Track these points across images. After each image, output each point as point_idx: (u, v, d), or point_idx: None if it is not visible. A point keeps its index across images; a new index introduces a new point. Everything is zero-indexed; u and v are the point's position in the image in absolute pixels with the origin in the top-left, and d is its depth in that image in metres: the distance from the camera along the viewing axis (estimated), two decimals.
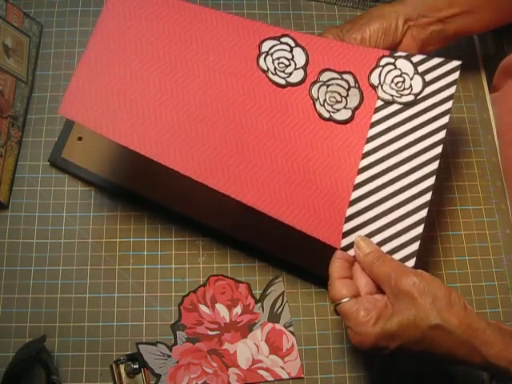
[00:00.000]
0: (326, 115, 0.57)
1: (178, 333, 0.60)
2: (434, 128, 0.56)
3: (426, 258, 0.64)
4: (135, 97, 0.53)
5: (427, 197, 0.54)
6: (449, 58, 0.58)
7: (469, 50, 0.74)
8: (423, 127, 0.56)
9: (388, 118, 0.57)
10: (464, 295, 0.63)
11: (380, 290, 0.51)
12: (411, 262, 0.53)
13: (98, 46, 0.55)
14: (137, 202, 0.64)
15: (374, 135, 0.57)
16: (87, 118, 0.52)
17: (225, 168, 0.53)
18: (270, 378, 0.59)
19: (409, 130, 0.56)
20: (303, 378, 0.60)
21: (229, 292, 0.62)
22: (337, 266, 0.52)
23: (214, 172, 0.52)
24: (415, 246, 0.53)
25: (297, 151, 0.55)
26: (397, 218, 0.54)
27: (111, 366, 0.57)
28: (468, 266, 0.64)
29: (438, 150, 0.56)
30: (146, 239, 0.63)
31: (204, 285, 0.62)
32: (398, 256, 0.53)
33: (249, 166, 0.53)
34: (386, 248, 0.53)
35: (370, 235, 0.54)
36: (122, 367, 0.57)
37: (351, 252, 0.53)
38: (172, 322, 0.60)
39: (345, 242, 0.54)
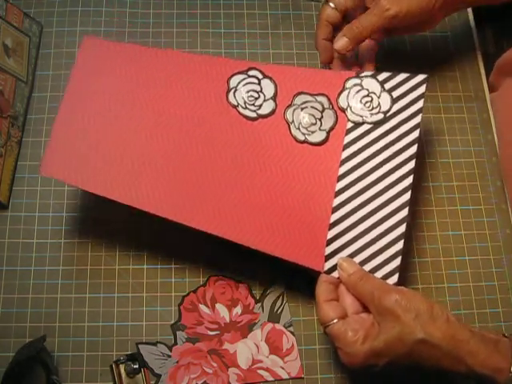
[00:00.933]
0: (301, 138, 0.58)
1: (178, 333, 0.60)
2: (405, 144, 0.57)
3: (426, 258, 0.64)
4: (111, 148, 0.56)
5: (404, 212, 0.55)
6: (414, 74, 0.59)
7: (469, 49, 0.74)
8: (394, 144, 0.57)
9: (359, 139, 0.58)
10: (464, 295, 0.63)
11: (366, 308, 0.52)
12: (394, 279, 0.54)
13: (72, 100, 0.57)
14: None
15: (347, 157, 0.58)
16: (68, 175, 0.54)
17: (202, 205, 0.54)
18: (270, 378, 0.59)
19: (380, 149, 0.57)
20: (303, 378, 0.60)
21: (229, 292, 0.62)
22: (322, 290, 0.53)
23: (193, 211, 0.54)
24: (397, 262, 0.54)
25: (274, 180, 0.56)
26: (376, 237, 0.55)
27: (111, 366, 0.57)
28: (468, 266, 0.64)
29: (411, 165, 0.57)
30: (145, 239, 0.63)
31: (204, 285, 0.62)
32: (380, 273, 0.54)
33: (226, 200, 0.55)
34: (368, 267, 0.54)
35: (352, 255, 0.55)
36: (121, 367, 0.57)
37: (335, 274, 0.54)
38: (172, 322, 0.60)
39: (328, 264, 0.55)
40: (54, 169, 0.55)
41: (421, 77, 0.59)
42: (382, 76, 0.60)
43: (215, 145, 0.57)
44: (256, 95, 0.59)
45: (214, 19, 0.73)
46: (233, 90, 0.59)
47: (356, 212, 0.56)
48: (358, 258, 0.54)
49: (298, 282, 0.63)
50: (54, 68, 0.69)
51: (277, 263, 0.63)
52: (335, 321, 0.51)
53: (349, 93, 0.59)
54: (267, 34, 0.73)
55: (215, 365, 0.59)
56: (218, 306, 0.61)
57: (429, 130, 0.70)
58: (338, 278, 0.54)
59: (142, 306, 0.61)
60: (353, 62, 0.65)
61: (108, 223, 0.63)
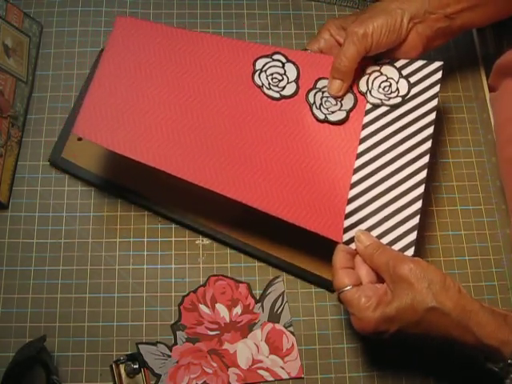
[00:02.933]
0: (322, 117, 0.60)
1: (178, 333, 0.60)
2: (422, 125, 0.59)
3: (427, 258, 0.64)
4: (143, 115, 0.57)
5: (421, 189, 0.57)
6: (431, 60, 0.61)
7: (469, 49, 0.74)
8: (412, 125, 0.59)
9: (378, 120, 0.60)
10: None
11: (380, 280, 0.54)
12: (410, 251, 0.55)
13: (108, 68, 0.59)
14: (137, 202, 0.64)
15: (365, 136, 0.60)
16: (100, 136, 0.55)
17: (229, 174, 0.56)
18: (270, 378, 0.59)
19: (398, 129, 0.59)
20: (303, 378, 0.60)
21: (229, 292, 0.62)
22: (339, 257, 0.54)
23: (220, 179, 0.55)
24: (413, 236, 0.56)
25: (295, 156, 0.58)
26: (393, 212, 0.56)
27: (111, 366, 0.57)
28: (468, 266, 0.64)
29: (428, 145, 0.59)
30: (146, 239, 0.63)
31: (204, 285, 0.62)
32: (397, 247, 0.56)
33: (251, 172, 0.56)
34: (385, 240, 0.56)
35: (370, 229, 0.56)
36: (121, 367, 0.57)
37: (352, 246, 0.55)
38: (172, 322, 0.60)
39: (346, 236, 0.56)
40: (87, 129, 0.55)
41: (437, 64, 0.61)
42: (400, 63, 0.62)
43: (240, 120, 0.59)
44: (280, 77, 0.62)
45: (214, 19, 0.73)
46: (258, 72, 0.62)
47: (374, 188, 0.57)
48: (376, 232, 0.56)
49: (299, 281, 0.63)
50: (54, 68, 0.69)
51: (277, 263, 0.63)
52: (349, 287, 0.52)
53: (368, 78, 0.62)
54: (267, 34, 0.73)
55: (215, 365, 0.59)
56: (217, 306, 0.61)
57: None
58: (355, 249, 0.55)
59: (142, 306, 0.61)
60: None
61: (108, 223, 0.63)
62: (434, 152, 0.69)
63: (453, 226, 0.66)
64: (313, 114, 0.60)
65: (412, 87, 0.61)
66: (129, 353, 0.58)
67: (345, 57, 0.59)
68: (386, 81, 0.62)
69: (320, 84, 0.62)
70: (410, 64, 0.62)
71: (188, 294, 0.61)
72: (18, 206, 0.64)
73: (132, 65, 0.59)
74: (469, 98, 0.72)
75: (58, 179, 0.65)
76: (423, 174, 0.57)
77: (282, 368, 0.59)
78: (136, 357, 0.57)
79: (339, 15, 0.74)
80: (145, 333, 0.60)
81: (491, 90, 0.72)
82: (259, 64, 0.62)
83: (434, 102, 0.60)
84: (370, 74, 0.62)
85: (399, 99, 0.60)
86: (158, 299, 0.61)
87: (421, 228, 0.65)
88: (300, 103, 0.61)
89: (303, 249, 0.62)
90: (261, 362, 0.59)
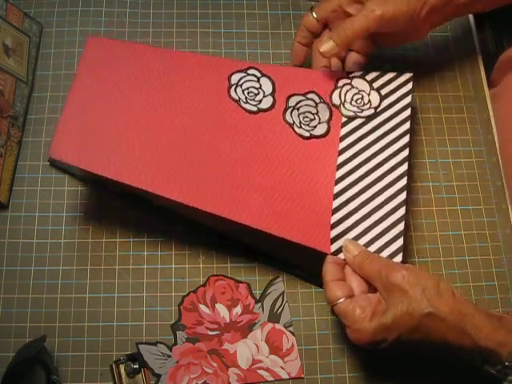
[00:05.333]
0: (307, 134, 0.61)
1: (177, 333, 0.60)
2: (398, 134, 0.61)
3: (426, 258, 0.64)
4: (120, 135, 0.57)
5: (403, 196, 0.58)
6: (400, 72, 0.63)
7: (469, 49, 0.74)
8: (388, 135, 0.61)
9: (354, 131, 0.62)
10: (464, 295, 0.62)
11: (372, 288, 0.54)
12: (399, 258, 0.56)
13: (81, 89, 0.59)
14: (137, 202, 0.64)
15: (344, 147, 0.61)
16: (77, 158, 0.55)
17: (211, 190, 0.56)
18: (270, 378, 0.59)
19: (375, 140, 0.61)
20: (303, 378, 0.60)
21: (229, 292, 0.62)
22: (329, 269, 0.54)
23: (201, 195, 0.56)
24: (400, 242, 0.57)
25: (277, 168, 0.59)
26: (378, 220, 0.58)
27: (111, 366, 0.57)
28: (468, 266, 0.64)
29: (405, 152, 0.60)
30: (145, 239, 0.63)
31: (204, 285, 0.62)
32: (385, 254, 0.56)
33: (233, 186, 0.58)
34: (372, 248, 0.57)
35: (356, 238, 0.57)
36: (121, 367, 0.57)
37: (341, 256, 0.56)
38: (172, 322, 0.60)
39: (334, 247, 0.57)
40: (63, 152, 0.55)
41: (407, 75, 0.64)
42: (370, 76, 0.64)
43: (219, 135, 0.59)
44: (256, 91, 0.62)
45: (214, 19, 0.73)
46: (234, 86, 0.62)
47: (357, 197, 0.58)
48: (363, 240, 0.57)
49: (299, 281, 0.63)
50: (54, 68, 0.69)
51: (277, 263, 0.63)
52: (342, 299, 0.52)
53: (340, 91, 0.63)
54: (267, 34, 0.73)
55: (215, 365, 0.59)
56: (217, 306, 0.61)
57: (429, 130, 0.70)
58: (344, 259, 0.55)
59: (142, 306, 0.61)
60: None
61: (108, 223, 0.63)
62: (433, 152, 0.69)
63: (453, 226, 0.66)
64: (297, 133, 0.61)
65: (384, 99, 0.63)
66: (129, 353, 0.58)
67: (352, 26, 0.58)
68: (358, 93, 0.63)
69: (292, 102, 0.62)
70: (381, 77, 0.64)
71: (188, 294, 0.61)
72: (18, 205, 0.64)
73: (105, 85, 0.59)
74: (469, 98, 0.72)
75: (57, 179, 0.65)
76: (404, 181, 0.59)
77: (282, 368, 0.59)
78: (136, 357, 0.57)
79: None
80: (145, 333, 0.60)
81: (492, 85, 0.72)
82: (234, 79, 0.63)
83: (408, 112, 0.62)
84: (341, 88, 0.63)
85: (372, 111, 0.62)
86: (158, 299, 0.61)
87: (421, 228, 0.65)
88: (280, 120, 0.61)
89: (303, 249, 0.62)
90: (261, 362, 0.59)
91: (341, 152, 0.61)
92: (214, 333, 0.60)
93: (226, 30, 0.73)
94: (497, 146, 0.69)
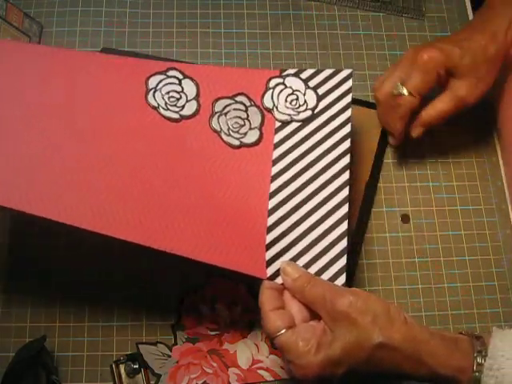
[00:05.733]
0: (236, 143, 0.55)
1: (177, 333, 0.60)
2: (337, 139, 0.56)
3: (426, 258, 0.64)
4: (24, 159, 0.49)
5: (345, 209, 0.53)
6: (339, 69, 0.58)
7: None
8: (326, 140, 0.55)
9: (289, 138, 0.56)
10: (464, 295, 0.63)
11: (314, 315, 0.49)
12: (342, 279, 0.51)
13: None
14: None
15: (278, 156, 0.55)
16: None
17: (129, 214, 0.49)
18: (270, 378, 0.59)
19: (312, 146, 0.55)
20: None
21: (229, 292, 0.62)
22: (267, 297, 0.49)
23: (116, 222, 0.48)
24: (343, 261, 0.51)
25: (203, 185, 0.53)
26: (318, 237, 0.52)
27: (111, 366, 0.57)
28: (468, 266, 0.64)
29: (346, 160, 0.55)
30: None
31: (204, 285, 0.62)
32: (326, 275, 0.51)
33: (154, 206, 0.50)
34: (313, 269, 0.51)
35: (295, 258, 0.51)
36: (121, 367, 0.57)
37: (279, 280, 0.51)
38: (172, 322, 0.60)
39: (270, 270, 0.51)
40: None
41: (346, 72, 0.58)
42: (306, 74, 0.58)
43: (136, 147, 0.52)
44: (177, 96, 0.56)
45: (214, 19, 0.73)
46: (152, 91, 0.56)
47: (294, 213, 0.53)
48: (301, 261, 0.51)
49: None
50: None
51: None
52: (283, 331, 0.47)
53: (273, 92, 0.58)
54: (267, 34, 0.73)
55: (215, 365, 0.59)
56: (218, 306, 0.61)
57: (429, 130, 0.69)
58: (282, 284, 0.51)
59: (142, 306, 0.61)
60: None
61: None
62: (434, 152, 0.69)
63: (453, 226, 0.66)
64: (225, 142, 0.55)
65: (321, 99, 0.57)
66: (129, 353, 0.58)
67: (435, 111, 0.59)
68: (293, 93, 0.57)
69: (218, 106, 0.56)
70: (317, 74, 0.58)
71: (188, 294, 0.61)
72: None
73: (11, 94, 0.52)
74: None
75: None
76: (345, 192, 0.53)
77: (282, 368, 0.59)
78: (136, 357, 0.57)
79: (339, 15, 0.74)
80: (145, 333, 0.60)
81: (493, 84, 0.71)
82: (152, 82, 0.56)
83: (348, 113, 0.56)
84: (273, 88, 0.58)
85: (309, 112, 0.57)
86: (158, 299, 0.61)
87: (421, 228, 0.65)
88: (206, 129, 0.55)
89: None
90: (261, 362, 0.59)
91: (275, 161, 0.55)
92: (213, 333, 0.60)
93: (225, 30, 0.73)
94: (497, 147, 0.69)
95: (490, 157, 0.69)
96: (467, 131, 0.70)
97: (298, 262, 0.52)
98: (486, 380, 0.45)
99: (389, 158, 0.68)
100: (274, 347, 0.49)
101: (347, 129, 0.56)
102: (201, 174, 0.53)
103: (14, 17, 0.67)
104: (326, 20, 0.74)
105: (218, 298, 0.61)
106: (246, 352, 0.60)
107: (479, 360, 0.46)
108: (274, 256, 0.52)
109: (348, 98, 0.57)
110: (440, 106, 0.59)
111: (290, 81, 0.58)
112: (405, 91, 0.58)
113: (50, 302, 0.60)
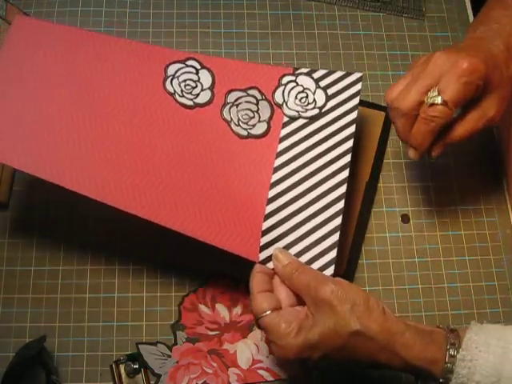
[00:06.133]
0: (244, 133, 0.58)
1: (177, 333, 0.60)
2: (341, 138, 0.58)
3: (427, 258, 0.64)
4: (44, 126, 0.53)
5: (340, 204, 0.55)
6: (350, 72, 0.60)
7: None
8: (330, 138, 0.58)
9: (295, 133, 0.58)
10: (464, 295, 0.63)
11: (301, 301, 0.51)
12: (330, 270, 0.53)
13: (4, 73, 0.55)
14: None
15: (283, 149, 0.58)
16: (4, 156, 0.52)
17: (136, 190, 0.53)
18: (270, 378, 0.59)
19: (316, 142, 0.58)
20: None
21: (229, 292, 0.62)
22: (257, 280, 0.52)
23: (125, 195, 0.52)
24: (333, 254, 0.54)
25: (209, 169, 0.55)
26: (312, 228, 0.54)
27: (111, 366, 0.57)
28: (468, 266, 0.64)
29: (347, 159, 0.57)
30: (146, 239, 0.63)
31: (204, 285, 0.62)
32: (316, 265, 0.53)
33: (160, 186, 0.53)
34: (304, 258, 0.54)
35: (288, 247, 0.54)
36: (121, 367, 0.57)
37: (270, 265, 0.53)
38: (172, 321, 0.60)
39: (263, 255, 0.54)
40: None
41: (356, 75, 0.60)
42: (318, 74, 0.61)
43: (150, 130, 0.55)
44: (193, 84, 0.59)
45: (214, 19, 0.73)
46: (170, 78, 0.59)
47: (291, 204, 0.55)
48: (294, 250, 0.54)
49: None
50: None
51: None
52: (268, 312, 0.49)
53: (284, 89, 0.60)
54: (267, 34, 0.73)
55: (215, 365, 0.59)
56: (217, 306, 0.61)
57: None
58: (273, 269, 0.53)
59: (142, 306, 0.61)
60: None
61: (108, 223, 0.63)
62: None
63: (453, 225, 0.66)
64: (234, 132, 0.58)
65: (330, 99, 0.59)
66: (129, 353, 0.58)
67: (465, 130, 0.53)
68: (303, 91, 0.59)
69: (231, 98, 0.59)
70: (329, 75, 0.60)
71: (188, 294, 0.61)
72: (18, 206, 0.64)
73: (32, 70, 0.55)
74: None
75: None
76: (343, 189, 0.55)
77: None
78: (136, 357, 0.58)
79: (339, 15, 0.74)
80: (145, 333, 0.60)
81: None
82: (171, 70, 0.59)
83: (354, 115, 0.58)
84: (285, 85, 0.60)
85: (317, 111, 0.59)
86: (158, 299, 0.61)
87: (421, 228, 0.65)
88: (217, 117, 0.58)
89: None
90: (261, 362, 0.59)
91: (279, 154, 0.57)
92: (213, 333, 0.60)
93: (225, 30, 0.73)
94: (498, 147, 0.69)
95: (490, 157, 0.69)
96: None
97: (290, 250, 0.54)
98: (458, 370, 0.46)
99: (389, 158, 0.68)
100: (258, 327, 0.51)
101: (351, 129, 0.58)
102: (208, 158, 0.56)
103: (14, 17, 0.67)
104: (326, 20, 0.74)
105: (218, 298, 0.61)
106: (246, 352, 0.60)
107: (452, 352, 0.47)
108: (268, 242, 0.54)
109: (356, 101, 0.59)
110: (470, 125, 0.54)
111: (301, 79, 0.60)
112: (439, 100, 0.51)
113: (50, 302, 0.60)
